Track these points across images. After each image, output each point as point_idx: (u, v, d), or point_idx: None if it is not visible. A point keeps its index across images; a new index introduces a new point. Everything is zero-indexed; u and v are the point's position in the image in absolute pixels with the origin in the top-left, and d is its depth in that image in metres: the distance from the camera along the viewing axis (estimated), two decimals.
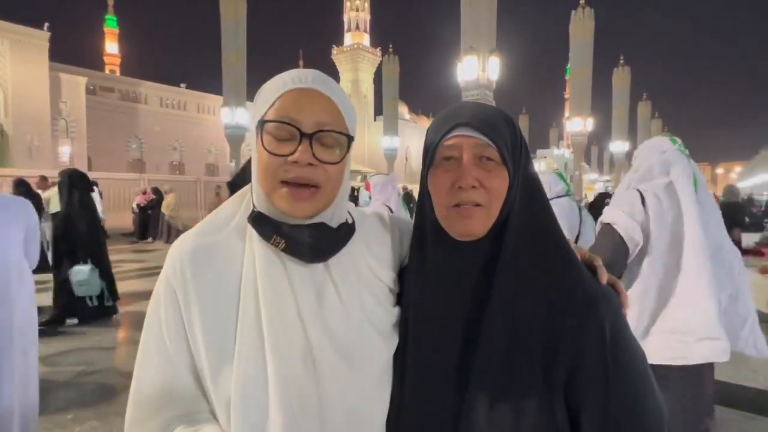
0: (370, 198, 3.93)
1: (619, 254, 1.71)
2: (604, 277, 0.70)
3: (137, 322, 4.99)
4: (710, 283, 1.64)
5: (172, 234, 12.53)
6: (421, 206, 0.75)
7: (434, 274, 0.71)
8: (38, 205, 7.79)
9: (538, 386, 0.63)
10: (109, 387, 3.43)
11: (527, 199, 0.70)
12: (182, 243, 0.69)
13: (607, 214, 1.78)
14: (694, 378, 1.69)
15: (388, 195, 3.70)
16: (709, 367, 1.73)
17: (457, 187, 0.67)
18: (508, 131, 0.69)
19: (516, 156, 0.69)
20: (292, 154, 0.63)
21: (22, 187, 6.84)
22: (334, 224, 0.71)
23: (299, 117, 0.64)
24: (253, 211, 0.69)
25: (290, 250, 0.66)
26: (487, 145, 0.67)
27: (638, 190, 1.76)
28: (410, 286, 0.74)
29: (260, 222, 0.67)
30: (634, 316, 1.70)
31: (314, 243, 0.66)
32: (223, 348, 0.63)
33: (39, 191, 8.43)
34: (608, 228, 1.75)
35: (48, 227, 8.31)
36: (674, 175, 1.75)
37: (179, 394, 0.65)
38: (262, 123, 0.65)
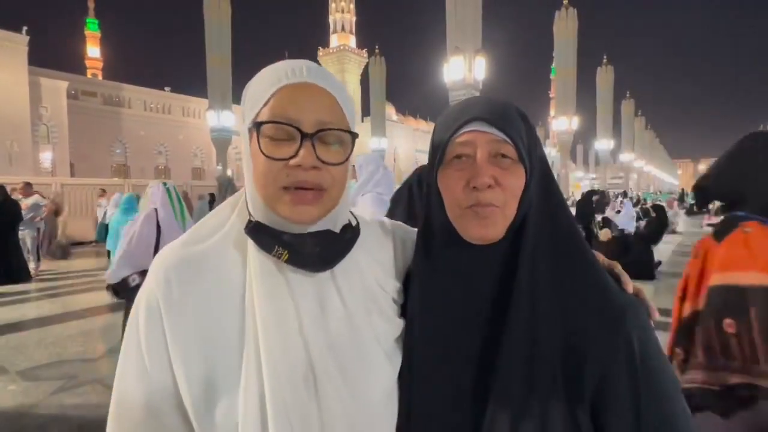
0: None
1: None
2: (630, 285, 0.65)
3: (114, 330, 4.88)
4: None
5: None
6: (429, 207, 0.69)
7: (443, 280, 0.66)
8: (17, 211, 7.59)
9: (562, 403, 0.57)
10: (93, 400, 3.31)
11: (544, 199, 0.64)
12: (166, 254, 0.62)
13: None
14: None
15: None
16: None
17: (471, 186, 0.61)
18: (524, 126, 0.64)
19: (532, 152, 0.64)
20: (293, 156, 0.57)
21: None
22: (338, 228, 0.65)
23: (298, 116, 0.58)
24: (249, 221, 0.62)
25: (294, 260, 0.60)
26: (503, 141, 0.61)
27: (378, 193, 2.24)
28: (417, 294, 0.68)
29: (259, 233, 0.61)
30: None
31: (320, 252, 0.61)
32: (218, 368, 0.58)
33: (20, 197, 8.22)
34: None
35: (29, 234, 8.15)
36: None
37: (159, 419, 0.59)
38: (257, 125, 0.58)
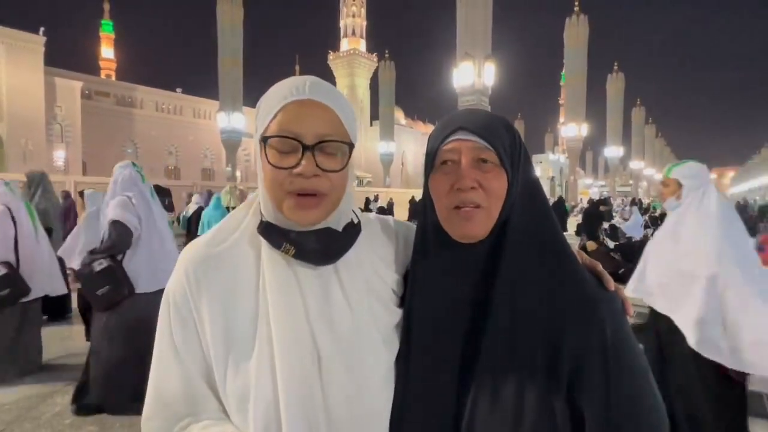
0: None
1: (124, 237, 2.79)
2: (611, 284, 0.70)
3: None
4: None
5: None
6: (424, 210, 0.76)
7: (436, 275, 0.72)
8: None
9: (540, 387, 0.63)
10: None
11: (528, 203, 0.71)
12: (192, 251, 0.72)
13: (112, 213, 2.81)
14: None
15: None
16: None
17: (456, 188, 0.68)
18: (507, 136, 0.70)
19: (515, 159, 0.70)
20: (296, 166, 0.65)
21: None
22: (340, 227, 0.73)
23: (300, 130, 0.65)
24: (261, 221, 0.71)
25: (300, 255, 0.68)
26: (485, 148, 0.68)
27: (127, 196, 2.87)
28: (413, 287, 0.74)
29: (269, 231, 0.70)
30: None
31: (322, 248, 0.69)
32: (235, 350, 0.66)
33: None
34: (117, 222, 2.78)
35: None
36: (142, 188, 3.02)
37: (192, 395, 0.68)
38: (264, 139, 0.67)
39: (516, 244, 0.68)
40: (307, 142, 0.65)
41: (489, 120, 0.71)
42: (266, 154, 0.66)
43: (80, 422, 2.92)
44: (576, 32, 28.94)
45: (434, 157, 0.72)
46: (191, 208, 7.65)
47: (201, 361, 0.68)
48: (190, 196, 12.75)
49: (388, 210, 18.65)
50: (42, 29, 30.03)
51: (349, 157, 0.70)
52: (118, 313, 2.85)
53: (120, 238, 2.80)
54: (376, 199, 20.68)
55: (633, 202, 17.63)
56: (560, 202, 16.72)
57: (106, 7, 70.35)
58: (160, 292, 0.72)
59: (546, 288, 0.67)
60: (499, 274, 0.67)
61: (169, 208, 10.62)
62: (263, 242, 0.70)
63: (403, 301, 0.77)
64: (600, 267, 0.73)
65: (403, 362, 0.72)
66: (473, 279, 0.70)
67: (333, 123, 0.68)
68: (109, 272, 2.78)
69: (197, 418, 0.68)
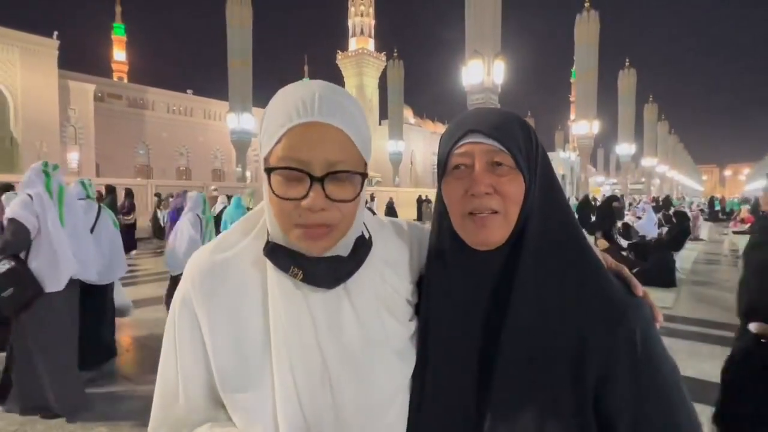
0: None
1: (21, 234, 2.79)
2: (639, 288, 0.66)
3: (144, 326, 5.01)
4: None
5: None
6: (438, 215, 0.73)
7: (452, 284, 0.69)
8: None
9: (563, 402, 0.60)
10: (117, 393, 3.43)
11: (547, 205, 0.67)
12: (199, 259, 0.69)
13: (9, 211, 2.85)
14: None
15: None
16: None
17: (470, 194, 0.65)
18: (522, 135, 0.67)
19: (531, 159, 0.67)
20: (303, 197, 0.59)
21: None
22: (348, 251, 0.68)
23: (308, 158, 0.58)
24: (268, 242, 0.66)
25: (308, 279, 0.64)
26: (498, 151, 0.65)
27: (28, 194, 2.90)
28: (429, 296, 0.71)
29: (276, 254, 0.65)
30: None
31: (331, 272, 0.65)
32: (245, 363, 0.64)
33: None
34: (13, 220, 2.78)
35: None
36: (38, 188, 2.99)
37: (197, 405, 0.67)
38: (268, 170, 0.60)
39: (535, 251, 0.64)
40: (315, 173, 0.58)
41: (501, 119, 0.67)
42: (270, 184, 0.60)
43: (89, 423, 2.93)
44: (586, 28, 28.59)
45: (446, 162, 0.68)
46: (217, 208, 7.90)
47: (204, 370, 0.66)
48: (168, 197, 12.42)
49: (388, 212, 18.28)
50: (55, 33, 30.45)
51: (362, 188, 0.63)
52: (31, 313, 2.83)
53: (15, 236, 2.77)
54: (372, 198, 19.83)
55: (654, 201, 17.11)
56: (586, 201, 15.69)
57: (119, 10, 71.19)
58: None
59: (569, 296, 0.63)
60: (518, 283, 0.63)
61: (128, 208, 10.68)
62: (269, 262, 0.66)
63: (418, 310, 0.73)
64: (626, 271, 0.69)
65: (419, 376, 0.69)
66: (490, 288, 0.66)
67: (344, 147, 0.61)
68: (12, 273, 2.74)
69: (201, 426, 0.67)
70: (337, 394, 0.63)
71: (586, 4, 28.50)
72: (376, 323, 0.68)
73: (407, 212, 23.18)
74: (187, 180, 34.21)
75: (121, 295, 4.43)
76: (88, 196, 4.01)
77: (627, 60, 39.00)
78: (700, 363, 3.97)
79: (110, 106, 38.07)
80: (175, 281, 4.62)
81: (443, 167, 0.70)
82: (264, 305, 0.66)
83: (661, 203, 16.53)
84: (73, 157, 32.25)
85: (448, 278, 0.70)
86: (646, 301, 0.66)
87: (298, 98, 0.60)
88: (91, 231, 3.78)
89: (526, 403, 0.61)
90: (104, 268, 3.75)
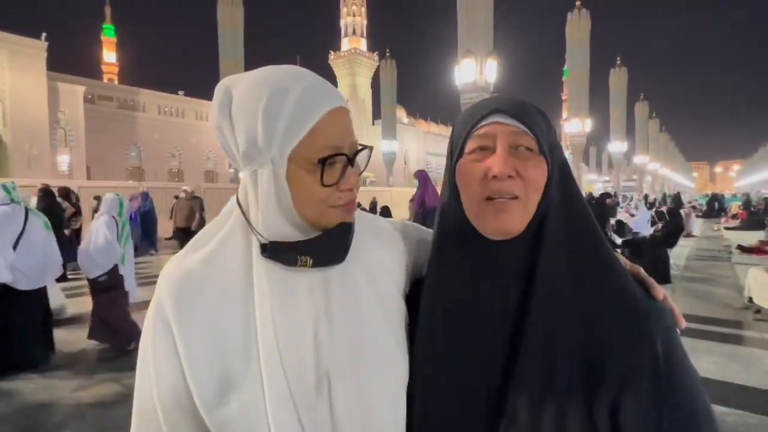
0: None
1: None
2: (660, 292, 0.62)
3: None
4: None
5: None
6: (446, 202, 0.68)
7: (461, 279, 0.64)
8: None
9: (580, 412, 0.57)
10: (107, 399, 3.37)
11: (565, 197, 0.63)
12: (172, 267, 0.65)
13: None
14: None
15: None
16: None
17: (491, 177, 0.60)
18: (543, 122, 0.64)
19: (553, 146, 0.63)
20: (339, 180, 0.61)
21: None
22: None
23: (342, 142, 0.61)
24: (263, 245, 0.62)
25: (319, 261, 0.62)
26: (523, 133, 0.60)
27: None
28: (431, 293, 0.67)
29: (279, 251, 0.62)
30: None
31: (341, 243, 0.65)
32: (228, 369, 0.60)
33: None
34: None
35: None
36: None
37: (171, 421, 0.62)
38: (322, 161, 0.59)
39: (554, 245, 0.61)
40: (349, 154, 0.62)
41: (524, 103, 0.64)
42: (322, 177, 0.59)
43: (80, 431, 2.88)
44: (578, 27, 28.76)
45: (464, 144, 0.64)
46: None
47: (179, 379, 0.60)
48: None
49: (371, 212, 17.78)
50: (44, 34, 30.20)
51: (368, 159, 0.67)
52: None
53: None
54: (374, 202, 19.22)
55: (646, 199, 16.75)
56: (604, 198, 13.61)
57: (108, 11, 70.66)
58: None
59: (588, 298, 0.59)
60: (535, 279, 0.60)
61: (70, 213, 10.33)
62: (255, 257, 0.63)
63: (417, 307, 0.69)
64: (643, 272, 0.65)
65: (422, 376, 0.64)
66: (504, 283, 0.62)
67: (352, 126, 0.64)
68: None
69: None
70: (333, 392, 0.59)
71: (577, 3, 28.68)
72: (373, 310, 0.65)
73: (401, 213, 23.17)
74: (179, 182, 33.98)
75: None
76: (12, 200, 3.88)
77: (618, 59, 39.33)
78: (697, 359, 3.97)
79: (101, 108, 37.78)
80: (94, 286, 4.33)
81: (459, 150, 0.65)
82: (247, 304, 0.62)
83: (658, 202, 16.32)
84: (63, 159, 31.95)
85: (455, 271, 0.65)
86: (667, 304, 0.63)
87: (317, 87, 0.61)
88: (20, 236, 3.75)
89: (542, 417, 0.57)
90: (35, 272, 3.74)
